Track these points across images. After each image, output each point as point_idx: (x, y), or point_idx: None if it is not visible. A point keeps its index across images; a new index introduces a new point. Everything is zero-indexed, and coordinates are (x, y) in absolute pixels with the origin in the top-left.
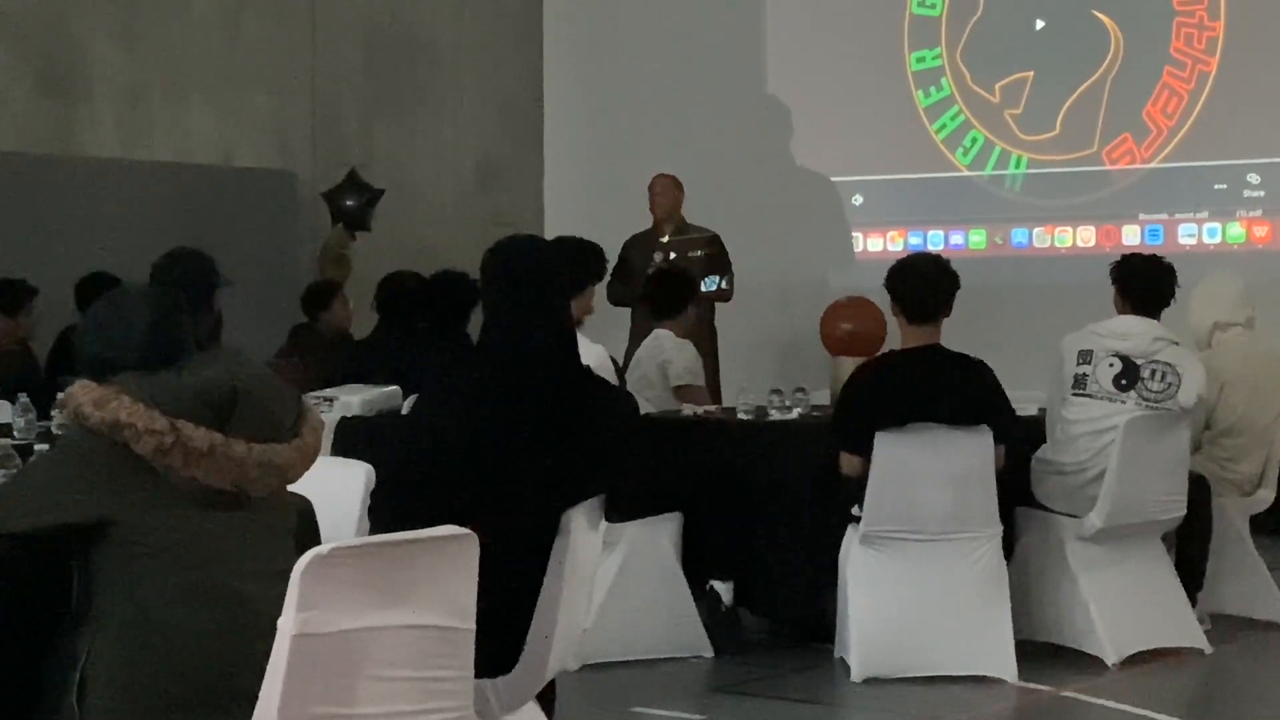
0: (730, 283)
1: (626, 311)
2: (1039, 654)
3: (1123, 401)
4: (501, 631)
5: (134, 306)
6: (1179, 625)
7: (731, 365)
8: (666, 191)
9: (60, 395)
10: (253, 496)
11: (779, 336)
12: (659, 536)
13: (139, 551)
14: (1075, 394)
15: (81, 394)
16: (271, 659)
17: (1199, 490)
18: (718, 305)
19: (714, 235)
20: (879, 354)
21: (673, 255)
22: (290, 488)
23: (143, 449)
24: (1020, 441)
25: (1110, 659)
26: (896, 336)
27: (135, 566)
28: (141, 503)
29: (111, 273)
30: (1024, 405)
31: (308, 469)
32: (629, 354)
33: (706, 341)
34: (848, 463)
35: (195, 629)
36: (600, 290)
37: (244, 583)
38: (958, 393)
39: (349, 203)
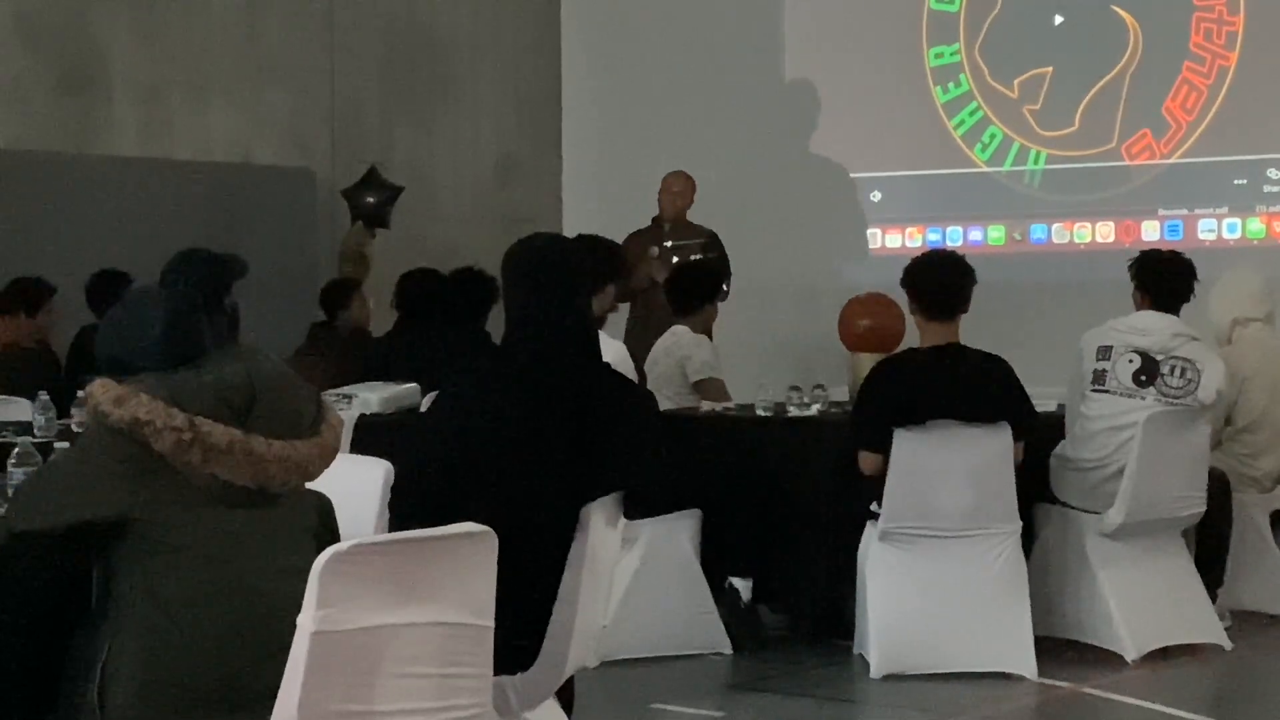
0: (728, 283)
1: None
2: (1059, 650)
3: (1142, 398)
4: (520, 628)
5: (150, 308)
6: (1199, 621)
7: (749, 362)
8: (686, 191)
9: (80, 393)
10: (272, 494)
11: (797, 333)
12: (678, 533)
13: (159, 549)
14: (1094, 390)
15: (101, 392)
16: (291, 656)
17: (1219, 486)
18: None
19: (713, 234)
20: (897, 351)
21: (674, 258)
22: (309, 485)
23: (162, 446)
24: (1039, 438)
25: (1130, 655)
26: (915, 333)
27: (155, 564)
28: (161, 500)
29: (120, 269)
30: (1043, 401)
31: (327, 466)
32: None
33: None
34: (867, 460)
35: (215, 626)
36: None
37: (264, 580)
38: (977, 390)
39: (368, 200)
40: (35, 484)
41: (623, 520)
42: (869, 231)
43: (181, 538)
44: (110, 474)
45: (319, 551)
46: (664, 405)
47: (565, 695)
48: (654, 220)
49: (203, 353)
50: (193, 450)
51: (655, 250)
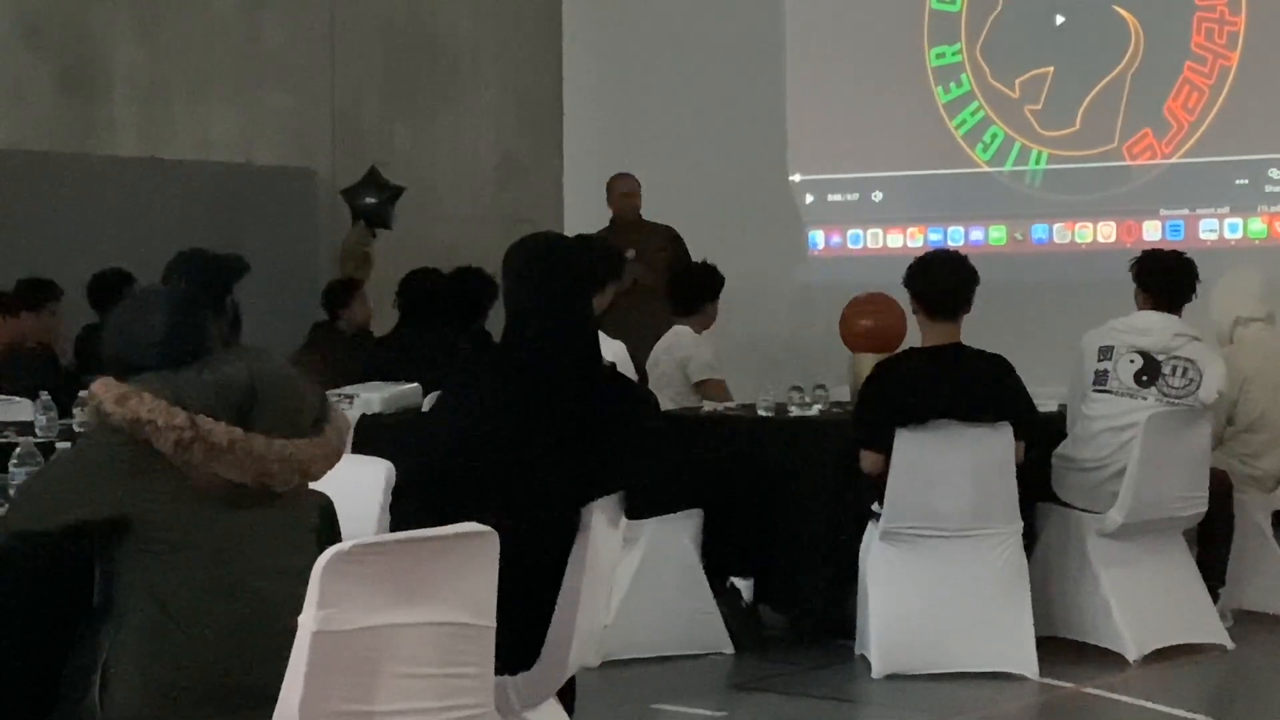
0: None
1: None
2: (1060, 650)
3: (1143, 398)
4: (522, 628)
5: (153, 307)
6: (1201, 621)
7: (752, 362)
8: (638, 193)
9: (82, 393)
10: (274, 493)
11: (798, 334)
12: (679, 533)
13: (160, 548)
14: (1096, 390)
15: (102, 391)
16: (292, 656)
17: (1220, 486)
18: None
19: (674, 232)
20: (899, 351)
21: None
22: (311, 485)
23: (163, 445)
24: (1041, 438)
25: (1132, 655)
26: (917, 333)
27: (156, 563)
28: (162, 499)
29: (123, 269)
30: (1045, 401)
31: (331, 466)
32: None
33: None
34: (868, 460)
35: (216, 626)
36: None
37: (265, 580)
38: (978, 389)
39: (369, 200)
40: (36, 483)
41: (624, 520)
42: (871, 231)
43: (182, 537)
44: (111, 473)
45: (320, 551)
46: (665, 405)
47: (566, 695)
48: (612, 222)
49: (205, 352)
50: (194, 449)
51: (632, 253)
